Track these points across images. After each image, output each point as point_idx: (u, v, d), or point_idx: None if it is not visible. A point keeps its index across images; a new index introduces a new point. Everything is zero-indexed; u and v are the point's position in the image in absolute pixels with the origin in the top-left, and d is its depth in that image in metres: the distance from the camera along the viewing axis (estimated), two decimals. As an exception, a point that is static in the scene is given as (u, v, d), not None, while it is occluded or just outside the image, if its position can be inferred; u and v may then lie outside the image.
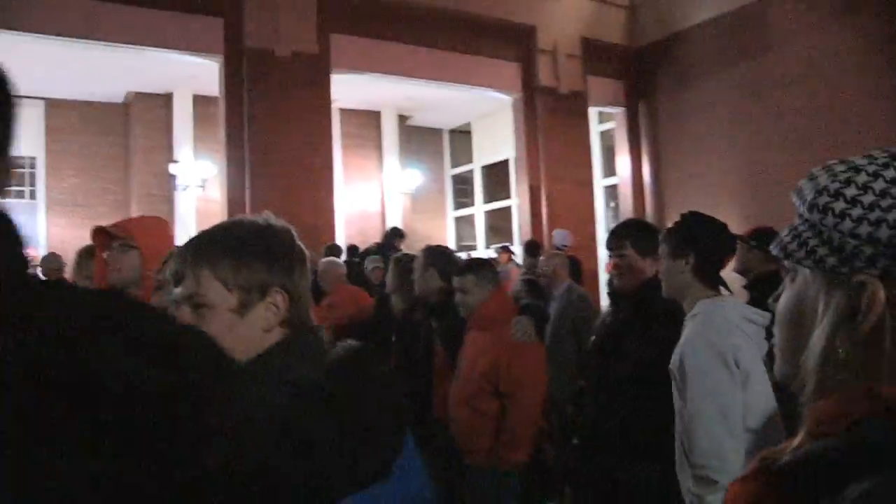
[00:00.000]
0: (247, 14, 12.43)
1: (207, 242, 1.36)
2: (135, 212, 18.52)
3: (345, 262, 9.83)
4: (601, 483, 3.00)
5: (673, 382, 2.73)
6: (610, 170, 19.85)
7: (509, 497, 3.39)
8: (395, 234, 10.71)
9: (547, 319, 3.99)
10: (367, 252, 9.59)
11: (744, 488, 0.84)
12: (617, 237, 3.16)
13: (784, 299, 0.92)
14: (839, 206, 0.83)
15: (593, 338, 3.33)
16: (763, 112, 15.10)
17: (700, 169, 16.50)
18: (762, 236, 3.83)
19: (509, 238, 22.17)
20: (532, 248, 10.38)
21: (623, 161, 18.42)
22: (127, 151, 19.12)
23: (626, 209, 18.37)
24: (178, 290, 1.26)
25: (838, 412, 0.79)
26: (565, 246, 9.21)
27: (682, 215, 3.09)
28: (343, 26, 13.43)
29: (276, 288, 1.34)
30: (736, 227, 13.69)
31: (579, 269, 6.93)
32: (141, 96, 18.25)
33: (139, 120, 18.50)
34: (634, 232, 3.17)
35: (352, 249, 11.03)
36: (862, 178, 0.83)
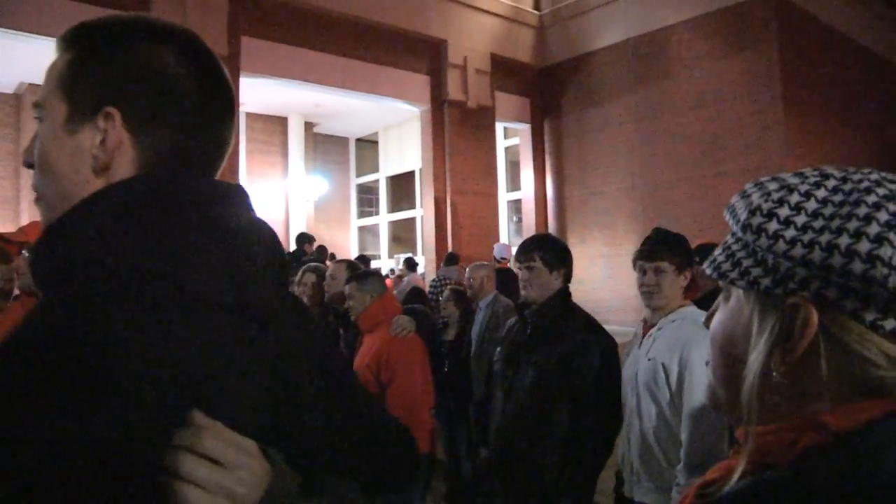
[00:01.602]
0: (155, 8, 12.13)
1: None
2: (25, 210, 17.75)
3: None
4: (510, 495, 3.08)
5: (648, 386, 2.86)
6: (514, 184, 20.24)
7: None
8: (305, 240, 10.59)
9: (431, 322, 4.11)
10: None
11: None
12: (526, 249, 3.26)
13: (718, 320, 0.89)
14: (772, 226, 0.80)
15: (499, 349, 3.41)
16: (659, 134, 15.77)
17: (601, 187, 17.04)
18: (706, 252, 3.91)
19: (413, 248, 22.31)
20: (451, 259, 10.66)
21: (527, 176, 18.80)
22: (18, 145, 18.31)
23: (529, 223, 18.75)
24: None
25: (784, 441, 0.77)
26: (504, 258, 9.46)
27: (669, 233, 3.24)
28: (254, 29, 13.28)
29: None
30: (631, 243, 14.10)
31: (513, 280, 7.08)
32: (35, 88, 17.40)
33: (32, 112, 17.67)
34: (543, 245, 3.28)
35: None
36: (794, 198, 0.80)
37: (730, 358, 0.84)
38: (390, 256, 23.22)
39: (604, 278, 16.15)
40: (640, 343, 3.07)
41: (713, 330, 0.89)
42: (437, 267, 15.49)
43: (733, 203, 0.89)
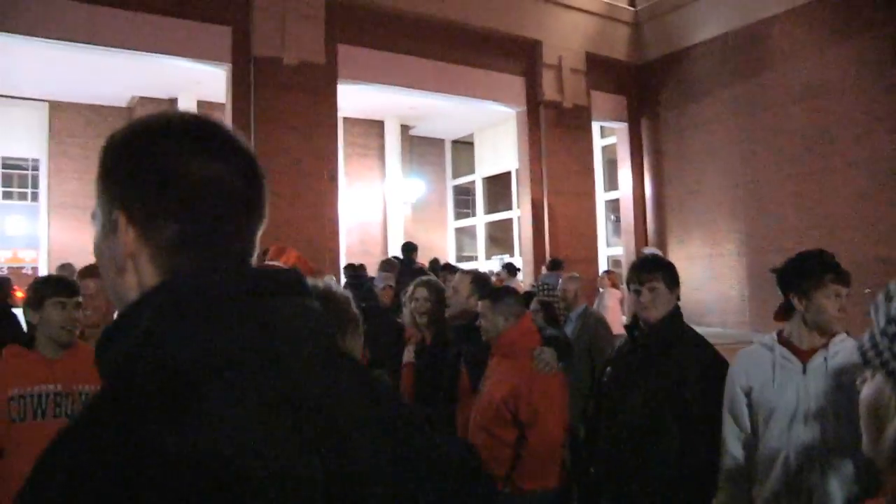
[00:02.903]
0: (255, 23, 12.56)
1: None
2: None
3: (349, 283, 9.70)
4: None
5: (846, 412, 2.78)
6: (612, 184, 19.97)
7: None
8: (412, 249, 10.52)
9: (571, 351, 3.92)
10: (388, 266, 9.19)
11: None
12: (648, 269, 3.24)
13: (865, 394, 1.13)
14: None
15: (608, 368, 3.36)
16: (761, 130, 15.24)
17: (700, 185, 16.62)
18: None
19: (510, 250, 22.30)
20: (555, 264, 10.21)
21: (625, 175, 18.52)
22: (132, 156, 19.15)
23: (627, 223, 18.46)
24: None
25: None
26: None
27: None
28: (350, 37, 13.56)
29: None
30: (733, 242, 13.62)
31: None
32: (145, 101, 18.33)
33: (144, 124, 18.53)
34: (663, 265, 3.27)
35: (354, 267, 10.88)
36: None
37: (876, 420, 1.09)
38: (487, 258, 23.28)
39: (704, 279, 15.75)
40: (804, 369, 2.91)
41: (864, 396, 1.13)
42: (536, 270, 15.45)
43: (877, 303, 1.11)
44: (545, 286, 8.63)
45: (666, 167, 17.63)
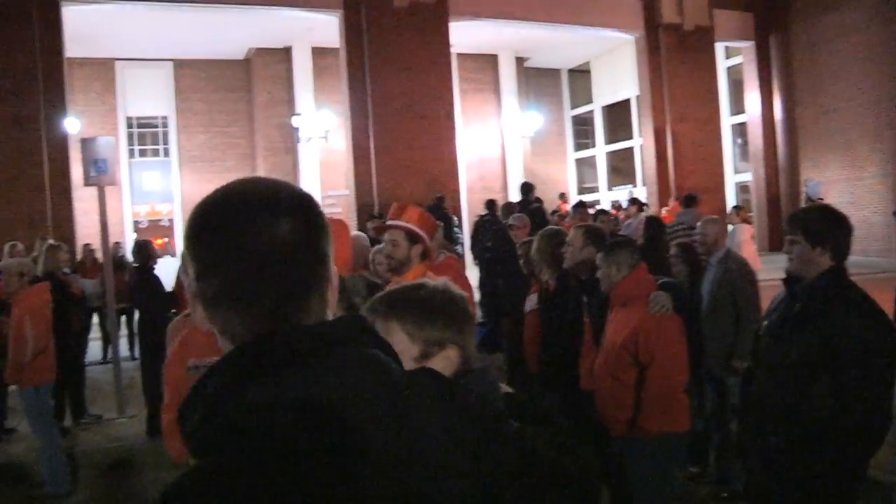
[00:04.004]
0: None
1: (398, 299, 1.57)
2: (261, 166, 19.23)
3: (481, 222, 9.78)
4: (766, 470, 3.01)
5: None
6: (738, 107, 19.04)
7: (654, 464, 3.51)
8: (527, 189, 10.42)
9: (684, 297, 3.93)
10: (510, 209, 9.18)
11: None
12: (791, 222, 3.10)
13: None
14: None
15: (765, 322, 3.27)
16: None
17: (837, 103, 15.58)
18: None
19: (632, 179, 21.75)
20: (690, 200, 9.81)
21: (752, 98, 17.61)
22: (250, 106, 19.81)
23: (756, 148, 17.63)
24: None
25: None
26: (819, 198, 8.34)
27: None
28: (459, -28, 13.37)
29: (451, 344, 1.53)
30: (876, 164, 12.76)
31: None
32: (261, 52, 18.77)
33: (260, 75, 19.09)
34: (809, 218, 3.06)
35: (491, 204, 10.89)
36: None
37: None
38: (609, 189, 22.83)
39: (843, 204, 14.83)
40: None
41: None
42: (661, 200, 15.05)
43: None
44: (681, 226, 8.29)
45: (798, 86, 16.62)
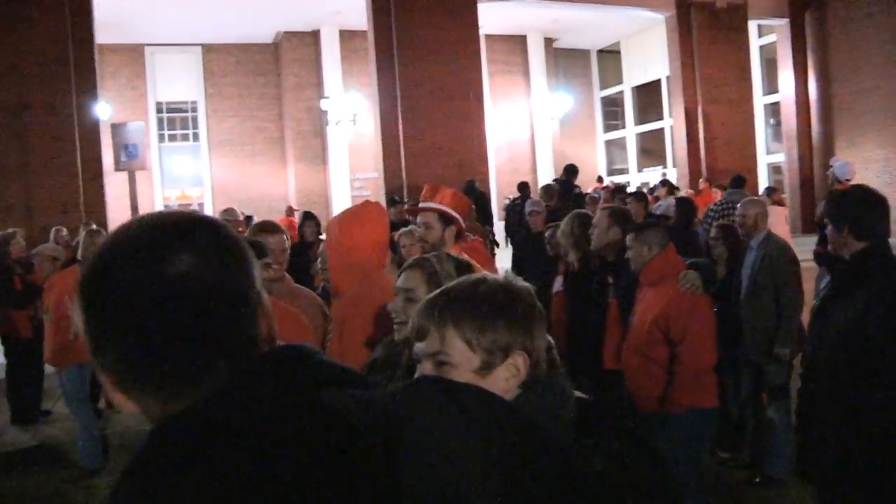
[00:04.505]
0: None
1: (453, 300, 1.33)
2: (289, 149, 19.31)
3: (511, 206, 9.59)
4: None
5: None
6: (771, 86, 18.72)
7: (685, 438, 3.58)
8: (571, 172, 10.23)
9: (713, 278, 3.94)
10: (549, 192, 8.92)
11: None
12: (826, 206, 3.12)
13: None
14: None
15: (814, 302, 3.28)
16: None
17: (876, 81, 15.24)
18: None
19: (663, 161, 21.53)
20: (738, 181, 9.56)
21: (786, 77, 17.29)
22: (279, 90, 19.86)
23: (790, 128, 17.33)
24: (420, 346, 1.30)
25: None
26: (847, 180, 8.01)
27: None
28: (488, -47, 13.25)
29: (518, 350, 1.30)
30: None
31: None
32: (289, 35, 18.78)
33: (289, 59, 19.11)
34: (840, 205, 3.03)
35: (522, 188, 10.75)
36: None
37: None
38: (639, 170, 22.61)
39: (881, 184, 14.56)
40: None
41: None
42: (692, 181, 14.86)
43: None
44: (729, 206, 8.08)
45: (833, 64, 16.29)
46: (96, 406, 6.34)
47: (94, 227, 7.71)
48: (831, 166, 7.51)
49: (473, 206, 5.17)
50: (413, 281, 2.04)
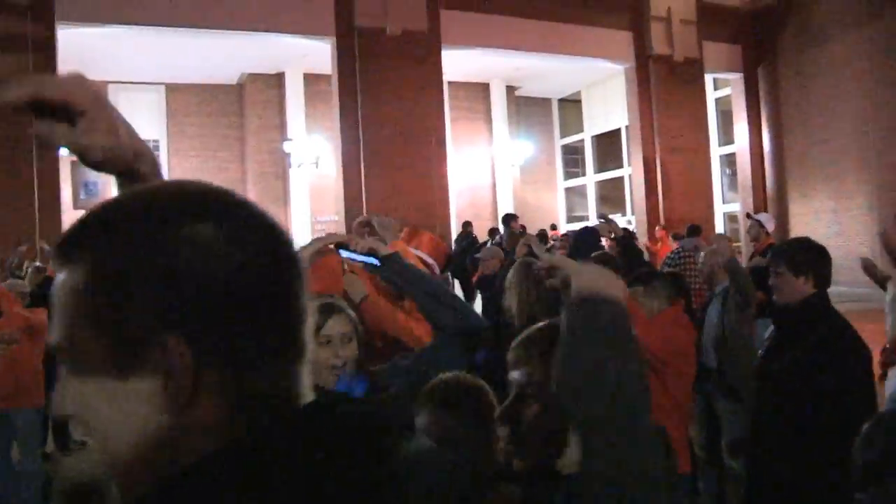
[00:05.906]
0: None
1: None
2: (251, 190, 19.21)
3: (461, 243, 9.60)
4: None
5: None
6: (727, 137, 19.19)
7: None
8: (510, 219, 10.33)
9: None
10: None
11: None
12: (775, 255, 3.16)
13: None
14: None
15: (760, 351, 3.32)
16: (896, 73, 14.25)
17: (825, 135, 15.73)
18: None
19: (622, 208, 21.81)
20: (693, 230, 9.68)
21: (741, 128, 17.76)
22: (242, 131, 19.81)
23: (744, 178, 17.74)
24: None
25: None
26: (767, 234, 8.12)
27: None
28: (452, 1, 13.46)
29: None
30: (863, 194, 12.81)
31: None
32: (254, 77, 18.77)
33: (253, 100, 19.08)
34: (792, 249, 3.11)
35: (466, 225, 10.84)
36: None
37: None
38: (598, 218, 22.81)
39: (830, 235, 14.92)
40: None
41: None
42: (650, 229, 15.08)
43: None
44: (684, 253, 8.06)
45: (786, 117, 16.78)
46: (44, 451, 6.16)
47: (39, 264, 7.59)
48: (757, 220, 7.63)
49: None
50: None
